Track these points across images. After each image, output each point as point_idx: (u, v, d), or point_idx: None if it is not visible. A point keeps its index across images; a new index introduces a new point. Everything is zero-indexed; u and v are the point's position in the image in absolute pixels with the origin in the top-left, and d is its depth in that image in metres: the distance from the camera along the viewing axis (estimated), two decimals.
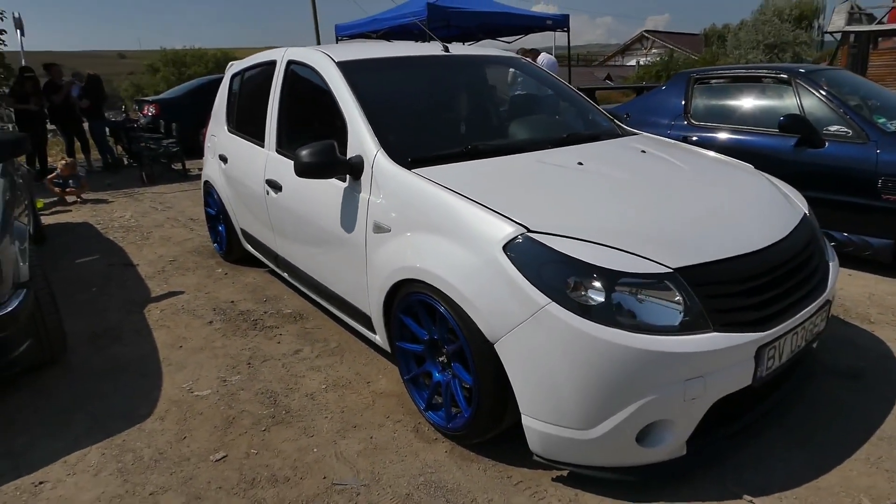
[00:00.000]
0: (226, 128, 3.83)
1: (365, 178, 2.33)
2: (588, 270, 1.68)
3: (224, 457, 2.06)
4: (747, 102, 4.27)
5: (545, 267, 1.71)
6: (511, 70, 3.42)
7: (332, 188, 2.50)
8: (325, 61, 2.75)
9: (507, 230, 1.79)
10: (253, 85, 3.60)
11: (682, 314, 1.69)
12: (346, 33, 9.99)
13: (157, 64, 34.55)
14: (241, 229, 3.77)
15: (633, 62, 35.88)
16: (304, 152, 2.30)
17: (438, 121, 2.72)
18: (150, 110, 9.29)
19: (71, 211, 6.18)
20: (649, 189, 2.15)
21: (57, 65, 8.42)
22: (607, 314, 1.65)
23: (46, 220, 5.76)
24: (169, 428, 2.23)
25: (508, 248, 1.77)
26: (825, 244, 2.31)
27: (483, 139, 2.59)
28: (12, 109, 8.06)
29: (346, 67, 2.69)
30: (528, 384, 1.76)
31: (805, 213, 2.30)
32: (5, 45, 14.29)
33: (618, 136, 2.95)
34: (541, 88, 3.34)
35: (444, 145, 2.44)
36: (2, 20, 13.96)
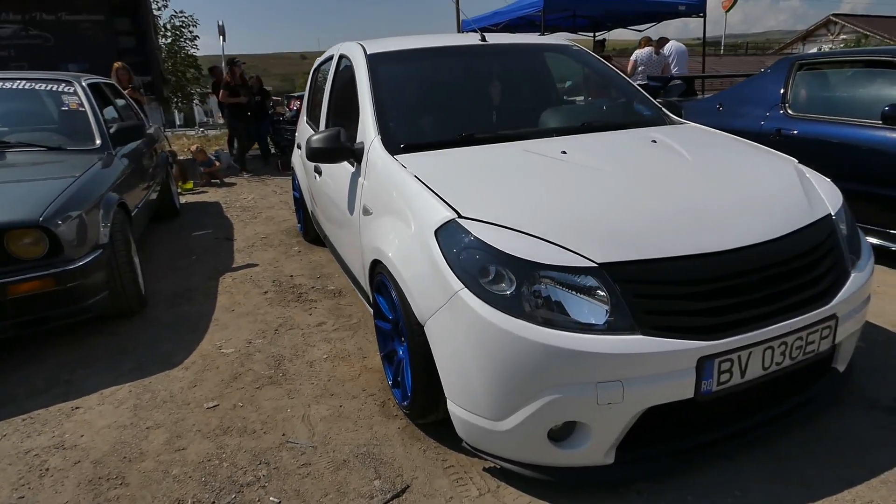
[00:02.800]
0: (304, 118, 4.22)
1: (363, 163, 2.46)
2: (502, 259, 1.64)
3: (216, 405, 2.35)
4: (859, 91, 3.62)
5: (464, 253, 1.70)
6: (555, 57, 3.30)
7: (345, 172, 2.68)
8: (358, 54, 2.92)
9: (440, 215, 1.80)
10: (320, 78, 3.92)
11: (608, 312, 1.58)
12: (470, 28, 10.15)
13: None
14: (311, 211, 4.15)
15: (814, 50, 31.33)
16: (313, 138, 2.51)
17: (446, 109, 2.75)
18: (295, 104, 10.39)
19: (207, 192, 7.20)
20: (623, 181, 1.99)
21: (218, 67, 9.75)
22: (517, 305, 1.59)
23: (190, 198, 6.79)
24: (187, 376, 2.60)
25: (439, 232, 1.78)
26: (847, 251, 1.94)
27: (487, 127, 2.58)
28: (219, 103, 9.10)
29: (373, 59, 2.84)
30: (448, 369, 1.76)
31: (827, 215, 1.95)
32: (198, 48, 16.90)
33: (655, 124, 2.74)
34: (584, 76, 3.19)
35: (441, 133, 2.48)
36: (196, 26, 16.49)
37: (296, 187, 4.61)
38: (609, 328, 1.56)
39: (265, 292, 3.58)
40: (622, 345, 1.54)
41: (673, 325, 1.58)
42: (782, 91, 3.95)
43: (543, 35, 8.53)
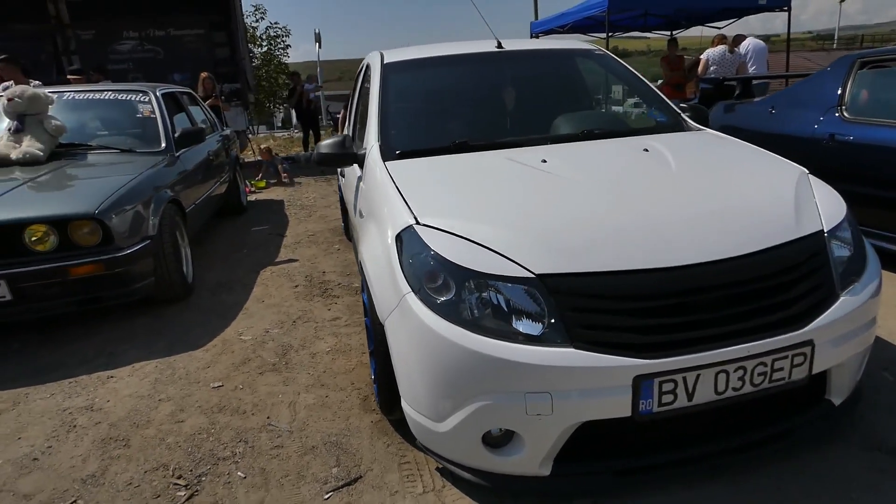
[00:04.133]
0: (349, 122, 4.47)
1: (364, 168, 2.60)
2: (446, 266, 1.69)
3: (220, 385, 2.58)
4: None
5: (415, 258, 1.78)
6: (581, 62, 3.26)
7: (354, 177, 2.84)
8: (376, 62, 3.08)
9: (402, 220, 1.89)
10: (357, 85, 4.13)
11: (544, 324, 1.59)
12: (539, 30, 10.11)
13: None
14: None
15: None
16: (322, 143, 2.69)
17: (448, 116, 2.82)
18: None
19: (273, 189, 7.71)
20: (592, 191, 1.97)
21: (297, 73, 10.46)
22: (455, 311, 1.64)
23: (261, 196, 7.32)
24: (205, 358, 2.86)
25: (398, 236, 1.87)
26: (837, 271, 1.79)
27: (484, 134, 2.62)
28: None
29: (388, 67, 2.98)
30: (399, 369, 1.84)
31: (816, 233, 1.81)
32: (288, 56, 18.07)
33: (670, 131, 2.67)
34: (604, 81, 3.13)
35: (437, 140, 2.56)
36: (288, 36, 17.64)
37: (339, 189, 4.87)
38: (542, 340, 1.58)
39: (296, 286, 3.83)
40: (551, 357, 1.55)
41: (608, 341, 1.56)
42: (839, 92, 3.62)
43: (609, 35, 8.33)
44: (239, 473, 1.98)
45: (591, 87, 3.15)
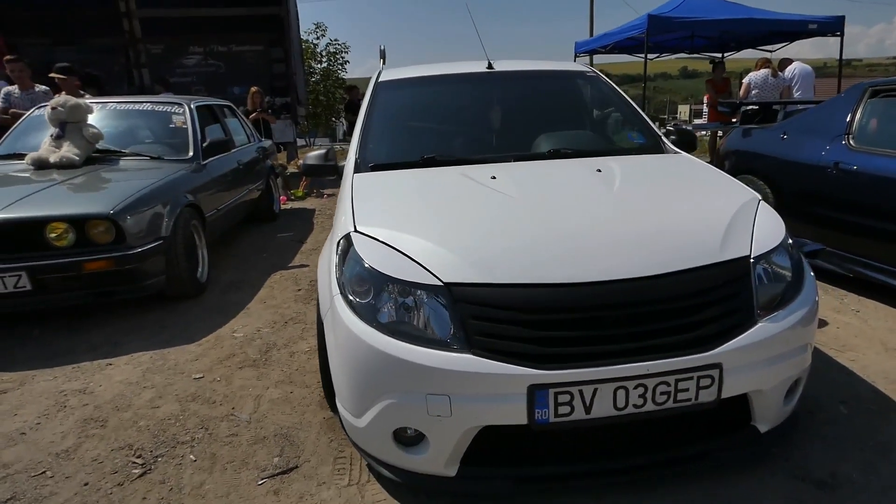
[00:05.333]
0: None
1: (343, 179, 2.77)
2: (369, 271, 1.81)
3: (201, 377, 2.79)
4: None
5: (347, 263, 1.91)
6: (570, 83, 3.32)
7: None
8: (373, 80, 3.26)
9: (345, 228, 2.03)
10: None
11: (450, 329, 1.68)
12: (582, 50, 10.12)
13: None
14: None
15: None
16: (309, 155, 2.89)
17: (424, 132, 2.95)
18: None
19: (311, 199, 8.06)
20: (523, 207, 2.04)
21: (356, 87, 10.88)
22: (371, 314, 1.76)
23: (295, 205, 7.68)
24: (196, 351, 3.09)
25: (339, 242, 2.01)
26: (757, 297, 1.77)
27: (453, 150, 2.73)
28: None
29: (381, 85, 3.16)
30: (331, 365, 1.97)
31: (741, 258, 1.81)
32: (346, 72, 18.78)
33: (646, 153, 2.73)
34: (585, 104, 3.18)
35: (408, 154, 2.69)
36: (347, 52, 18.32)
37: None
38: (445, 344, 1.66)
39: (298, 290, 4.04)
40: (450, 361, 1.63)
41: (504, 350, 1.63)
42: (847, 120, 3.50)
43: (647, 56, 8.25)
44: (191, 457, 2.16)
45: (580, 108, 3.19)
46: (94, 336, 3.34)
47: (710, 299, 1.73)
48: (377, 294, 1.77)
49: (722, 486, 1.86)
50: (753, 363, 1.73)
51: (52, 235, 3.19)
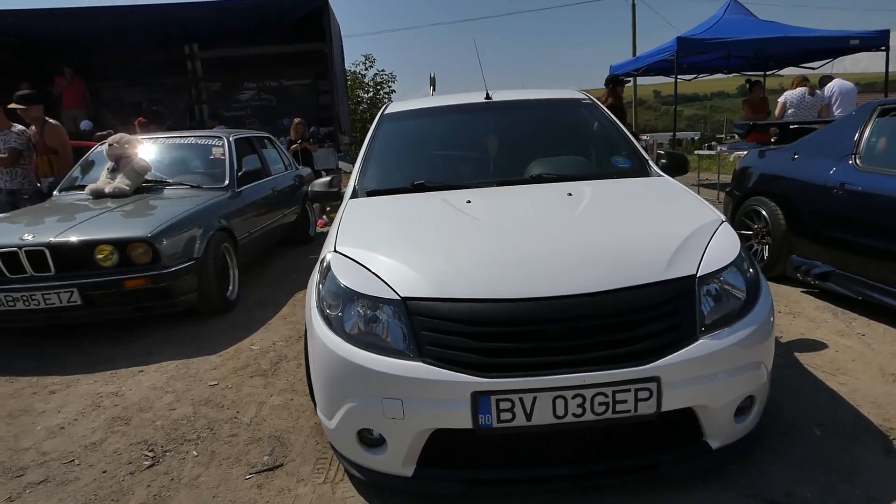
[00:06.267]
0: None
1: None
2: (339, 287, 2.03)
3: (216, 384, 3.08)
4: None
5: (325, 278, 2.13)
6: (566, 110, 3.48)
7: None
8: (380, 113, 3.54)
9: (329, 247, 2.27)
10: None
11: (405, 339, 1.86)
12: (617, 73, 10.16)
13: None
14: None
15: None
16: (315, 182, 3.17)
17: (419, 159, 3.17)
18: None
19: None
20: (487, 229, 2.22)
21: None
22: (338, 323, 1.97)
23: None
24: (216, 362, 3.39)
25: (321, 259, 2.25)
26: (701, 315, 1.85)
27: (445, 176, 2.94)
28: None
29: (386, 116, 3.44)
30: (311, 372, 2.18)
31: (686, 276, 1.90)
32: (391, 101, 19.50)
33: (630, 176, 2.86)
34: (578, 130, 3.33)
35: (402, 180, 2.91)
36: (394, 81, 19.06)
37: None
38: (400, 353, 1.85)
39: None
40: (402, 368, 1.81)
41: (451, 359, 1.79)
42: (855, 139, 3.46)
43: (677, 77, 8.23)
44: (193, 453, 2.42)
45: (572, 134, 3.34)
46: (133, 346, 3.71)
47: (650, 315, 1.83)
48: (345, 307, 1.98)
49: (672, 498, 1.92)
50: (695, 378, 1.81)
51: (100, 256, 3.61)
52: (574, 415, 1.77)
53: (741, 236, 4.38)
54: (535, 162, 3.00)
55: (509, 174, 2.95)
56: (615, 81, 7.16)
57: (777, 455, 2.12)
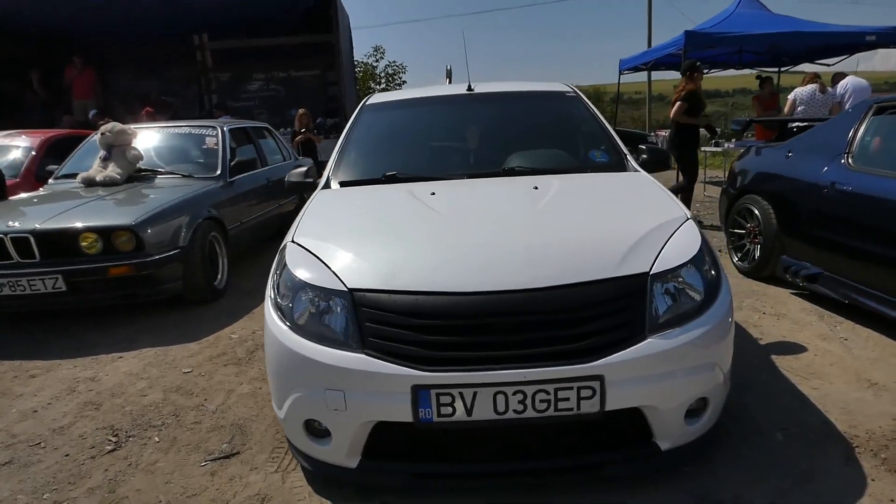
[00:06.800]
0: None
1: None
2: (291, 277, 2.03)
3: (189, 372, 3.10)
4: None
5: (280, 268, 2.13)
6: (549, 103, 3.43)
7: None
8: (361, 104, 3.53)
9: (288, 237, 2.27)
10: None
11: (349, 330, 1.85)
12: (626, 67, 10.04)
13: None
14: None
15: None
16: (292, 173, 3.17)
17: (393, 151, 3.15)
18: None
19: None
20: (445, 222, 2.20)
21: None
22: (288, 313, 1.98)
23: None
24: (194, 349, 3.42)
25: (280, 250, 2.25)
26: (653, 313, 1.82)
27: (416, 167, 2.91)
28: None
29: (367, 108, 3.42)
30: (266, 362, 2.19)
31: (638, 274, 1.86)
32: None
33: (607, 171, 2.82)
34: (559, 123, 3.28)
35: (374, 172, 2.90)
36: (405, 72, 19.01)
37: None
38: (343, 344, 1.84)
39: None
40: (344, 360, 1.80)
41: (392, 352, 1.78)
42: (848, 138, 3.36)
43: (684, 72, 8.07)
44: (156, 439, 2.44)
45: (552, 127, 3.29)
46: (117, 333, 3.76)
47: (596, 313, 1.80)
48: (296, 297, 1.98)
49: (619, 498, 1.90)
50: (641, 378, 1.78)
51: (84, 244, 3.65)
52: (515, 411, 1.75)
53: (734, 235, 4.35)
54: (512, 155, 2.96)
55: (484, 167, 2.92)
56: (693, 69, 6.17)
57: (734, 458, 2.08)
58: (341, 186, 2.85)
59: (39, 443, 2.48)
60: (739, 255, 4.30)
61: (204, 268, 4.19)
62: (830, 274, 3.39)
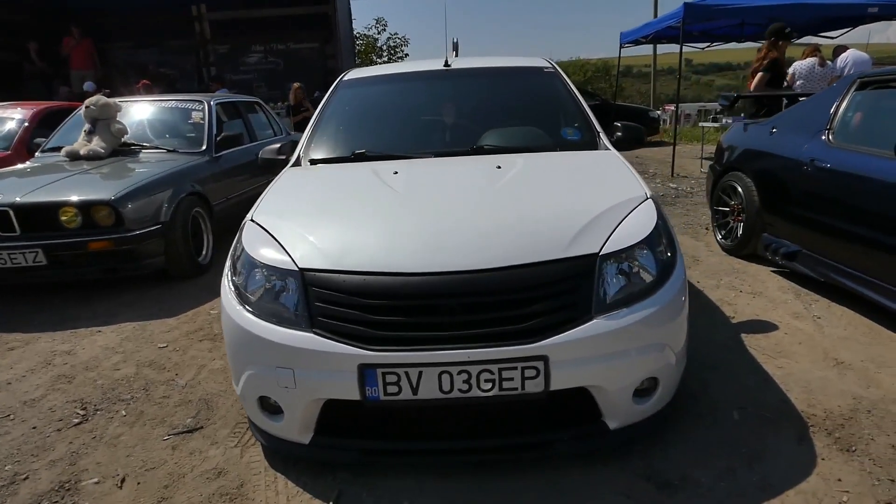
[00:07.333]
0: None
1: None
2: (246, 255, 2.03)
3: (164, 347, 3.14)
4: None
5: (236, 246, 2.13)
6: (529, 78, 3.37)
7: None
8: (338, 80, 3.48)
9: (248, 216, 2.26)
10: None
11: (297, 310, 1.86)
12: (627, 40, 9.83)
13: None
14: None
15: None
16: (265, 149, 3.16)
17: (365, 128, 3.12)
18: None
19: None
20: (402, 201, 2.19)
21: None
22: (241, 292, 1.98)
23: None
24: (172, 324, 3.45)
25: (240, 228, 2.24)
26: (600, 295, 1.81)
27: (386, 146, 2.88)
28: None
29: (341, 84, 3.38)
30: None
31: (588, 255, 1.84)
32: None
33: (578, 149, 2.79)
34: (535, 99, 3.22)
35: (344, 150, 2.88)
36: (407, 45, 18.72)
37: None
38: (293, 323, 1.85)
39: None
40: (293, 339, 1.82)
41: (340, 331, 1.79)
42: (830, 113, 3.28)
43: (682, 45, 7.90)
44: (122, 413, 2.49)
45: (528, 104, 3.23)
46: (99, 307, 3.80)
47: (542, 294, 1.79)
48: (249, 276, 1.99)
49: (567, 475, 1.92)
50: (586, 358, 1.78)
51: (64, 218, 3.67)
52: (460, 390, 1.76)
53: (719, 213, 4.30)
54: (484, 133, 2.92)
55: (455, 144, 2.89)
56: (778, 34, 5.38)
57: (686, 437, 2.09)
58: (311, 164, 2.83)
59: (9, 415, 2.53)
60: (723, 232, 4.26)
61: (186, 243, 4.21)
62: (809, 252, 3.35)
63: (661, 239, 2.01)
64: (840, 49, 7.03)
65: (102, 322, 3.55)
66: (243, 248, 2.06)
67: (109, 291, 4.05)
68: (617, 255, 1.88)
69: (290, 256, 1.93)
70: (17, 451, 2.24)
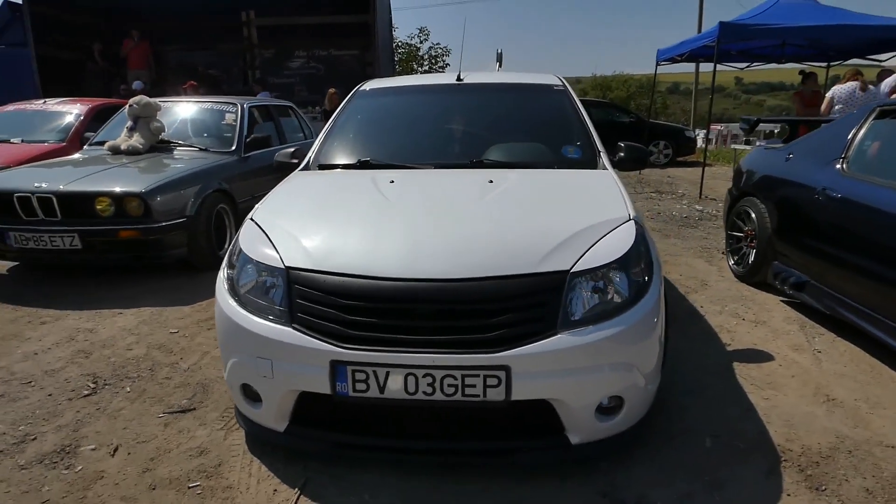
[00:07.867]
0: None
1: None
2: (241, 251, 2.18)
3: (175, 332, 3.34)
4: None
5: (234, 242, 2.28)
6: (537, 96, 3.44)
7: None
8: (355, 90, 3.63)
9: (250, 214, 2.41)
10: None
11: (280, 305, 1.99)
12: (664, 58, 9.73)
13: (585, 88, 39.01)
14: None
15: None
16: (280, 153, 3.32)
17: (374, 137, 3.24)
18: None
19: None
20: (389, 209, 2.30)
21: None
22: (233, 284, 2.13)
23: None
24: (186, 312, 3.65)
25: (242, 225, 2.40)
26: (567, 310, 1.86)
27: (390, 155, 2.99)
28: None
29: (359, 94, 3.53)
30: None
31: (558, 272, 1.90)
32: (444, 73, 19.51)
33: (576, 167, 2.85)
34: (540, 116, 3.28)
35: (351, 157, 3.02)
36: (448, 55, 18.95)
37: None
38: (275, 317, 1.97)
39: None
40: (272, 331, 1.94)
41: (316, 327, 1.90)
42: (846, 142, 3.23)
43: (716, 64, 7.81)
44: (127, 389, 2.67)
45: (533, 121, 3.29)
46: (123, 291, 4.05)
47: (509, 306, 1.86)
48: (241, 270, 2.13)
49: (525, 485, 1.97)
50: (549, 372, 1.83)
51: (99, 207, 3.94)
52: (425, 393, 1.84)
53: (733, 238, 4.25)
54: (488, 147, 3.00)
55: (458, 157, 2.98)
56: None
57: (653, 458, 2.11)
58: (320, 169, 2.98)
59: (31, 381, 2.75)
60: (736, 258, 4.21)
61: (209, 237, 4.44)
62: (817, 284, 3.29)
63: (637, 260, 2.05)
64: (885, 73, 6.80)
65: (125, 305, 3.79)
66: (239, 245, 2.21)
67: (136, 277, 4.31)
68: (588, 274, 1.94)
69: (278, 255, 2.06)
70: (31, 415, 2.44)
